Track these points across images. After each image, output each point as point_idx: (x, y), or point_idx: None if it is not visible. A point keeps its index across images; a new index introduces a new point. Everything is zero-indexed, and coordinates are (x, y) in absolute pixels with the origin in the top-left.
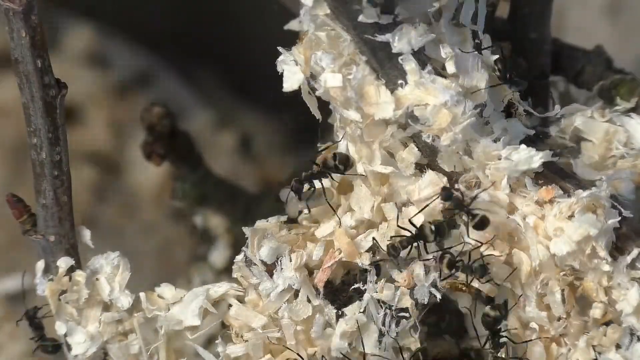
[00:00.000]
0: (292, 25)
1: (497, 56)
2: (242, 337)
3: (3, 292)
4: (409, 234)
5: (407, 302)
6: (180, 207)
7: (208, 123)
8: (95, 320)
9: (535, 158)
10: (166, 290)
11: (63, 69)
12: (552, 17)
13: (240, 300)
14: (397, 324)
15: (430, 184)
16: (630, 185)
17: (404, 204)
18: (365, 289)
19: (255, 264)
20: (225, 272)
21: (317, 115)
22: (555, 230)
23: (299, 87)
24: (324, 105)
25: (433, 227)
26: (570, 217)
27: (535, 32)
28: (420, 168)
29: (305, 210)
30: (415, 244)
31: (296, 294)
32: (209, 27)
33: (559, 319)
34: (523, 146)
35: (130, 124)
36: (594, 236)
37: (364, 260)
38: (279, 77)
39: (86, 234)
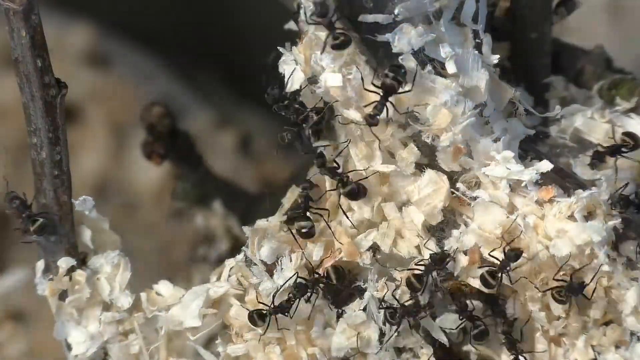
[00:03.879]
0: (292, 25)
1: (497, 56)
2: (242, 337)
3: (2, 291)
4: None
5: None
6: (180, 207)
7: (208, 123)
8: (95, 320)
9: (524, 174)
10: (164, 288)
11: (63, 69)
12: (551, 17)
13: (240, 300)
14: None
15: (430, 183)
16: (630, 185)
17: (404, 204)
18: (366, 288)
19: (255, 264)
20: None
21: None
22: (557, 231)
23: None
24: None
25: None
26: (570, 217)
27: (535, 32)
28: (420, 168)
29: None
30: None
31: None
32: (208, 26)
33: (559, 318)
34: (513, 161)
35: (130, 124)
36: (596, 242)
37: (365, 260)
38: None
39: (86, 234)
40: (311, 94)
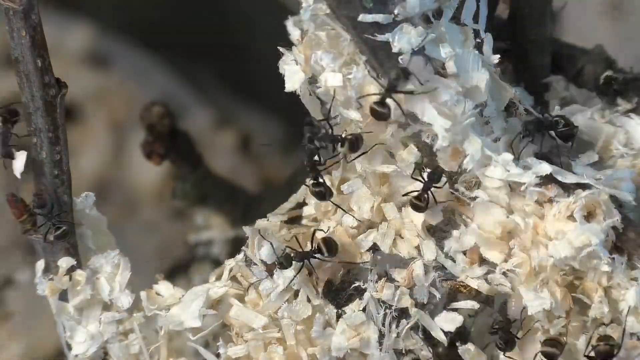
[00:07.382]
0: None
1: (498, 56)
2: (242, 337)
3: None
4: None
5: (406, 302)
6: (180, 206)
7: (208, 123)
8: (95, 319)
9: (523, 177)
10: (163, 288)
11: (63, 69)
12: (551, 17)
13: (240, 300)
14: (397, 324)
15: None
16: (630, 185)
17: (403, 204)
18: (365, 288)
19: (255, 264)
20: None
21: (318, 116)
22: (556, 233)
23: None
24: None
25: None
26: (570, 217)
27: (535, 32)
28: (420, 168)
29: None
30: None
31: (296, 294)
32: (208, 26)
33: (559, 318)
34: (512, 164)
35: (130, 124)
36: (594, 244)
37: (365, 260)
38: (279, 77)
39: (87, 234)
40: (309, 95)
